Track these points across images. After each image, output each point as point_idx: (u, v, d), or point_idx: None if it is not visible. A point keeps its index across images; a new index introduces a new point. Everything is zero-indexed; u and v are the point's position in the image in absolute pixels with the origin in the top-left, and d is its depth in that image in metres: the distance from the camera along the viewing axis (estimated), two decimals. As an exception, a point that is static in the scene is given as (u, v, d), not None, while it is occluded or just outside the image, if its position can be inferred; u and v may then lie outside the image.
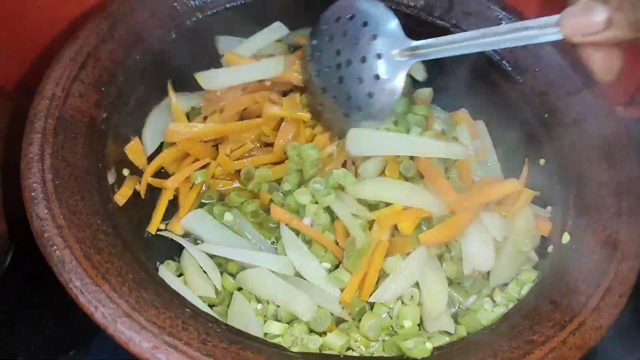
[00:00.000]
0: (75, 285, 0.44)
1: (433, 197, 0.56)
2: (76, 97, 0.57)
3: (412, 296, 0.55)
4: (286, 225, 0.57)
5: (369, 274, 0.54)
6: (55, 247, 0.46)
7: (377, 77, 0.59)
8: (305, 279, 0.55)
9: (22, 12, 0.73)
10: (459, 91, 0.77)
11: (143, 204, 0.63)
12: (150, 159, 0.66)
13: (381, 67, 0.58)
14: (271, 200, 0.60)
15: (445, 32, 0.74)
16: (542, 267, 0.57)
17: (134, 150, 0.64)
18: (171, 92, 0.69)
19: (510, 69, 0.71)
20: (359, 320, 0.54)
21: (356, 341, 0.52)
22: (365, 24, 0.59)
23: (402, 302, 0.55)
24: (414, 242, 0.55)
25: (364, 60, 0.59)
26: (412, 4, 0.76)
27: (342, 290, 0.54)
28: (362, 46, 0.59)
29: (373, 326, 0.53)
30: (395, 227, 0.56)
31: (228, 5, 0.72)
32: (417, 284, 0.55)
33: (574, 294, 0.50)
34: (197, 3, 0.70)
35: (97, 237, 0.49)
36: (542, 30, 0.48)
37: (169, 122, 0.67)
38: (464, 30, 0.73)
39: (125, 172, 0.63)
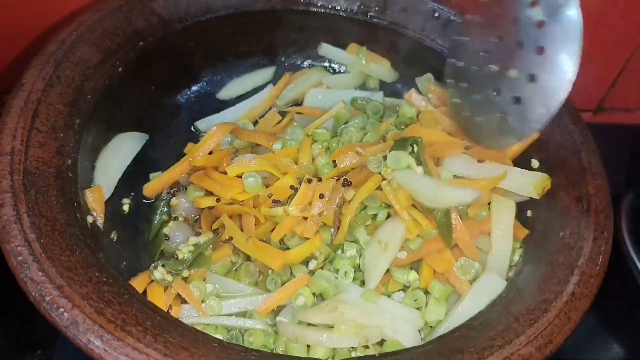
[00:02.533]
0: (96, 345, 0.41)
1: None
2: (36, 147, 0.53)
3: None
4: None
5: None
6: (62, 309, 0.42)
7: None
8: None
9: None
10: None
11: (127, 247, 0.60)
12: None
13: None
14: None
15: (383, 30, 0.78)
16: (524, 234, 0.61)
17: (95, 197, 0.59)
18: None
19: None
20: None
21: None
22: None
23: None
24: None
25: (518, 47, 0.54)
26: (348, 8, 0.78)
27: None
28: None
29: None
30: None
31: (169, 30, 0.70)
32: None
33: (565, 250, 0.54)
34: (138, 32, 0.68)
35: (101, 289, 0.45)
36: None
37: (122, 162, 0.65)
38: (403, 27, 0.77)
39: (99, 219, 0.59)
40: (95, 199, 0.59)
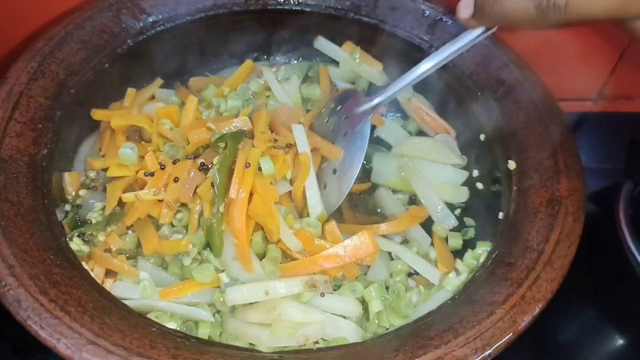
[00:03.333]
0: (34, 322, 0.43)
1: None
2: (13, 137, 0.56)
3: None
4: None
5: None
6: (8, 287, 0.45)
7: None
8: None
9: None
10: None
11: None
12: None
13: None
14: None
15: (373, 28, 0.78)
16: (497, 232, 0.59)
17: (71, 180, 0.63)
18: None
19: (438, 54, 0.74)
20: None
21: None
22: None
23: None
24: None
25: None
26: (339, 6, 0.78)
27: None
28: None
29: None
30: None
31: (159, 29, 0.73)
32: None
33: (526, 253, 0.52)
34: (127, 31, 0.71)
35: (51, 271, 0.48)
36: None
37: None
38: (393, 26, 0.77)
39: (68, 207, 0.62)
40: (71, 183, 0.62)
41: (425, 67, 0.62)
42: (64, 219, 0.59)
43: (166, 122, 0.65)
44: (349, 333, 0.53)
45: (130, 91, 0.72)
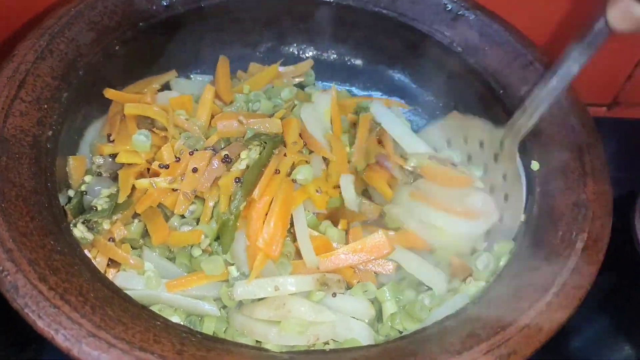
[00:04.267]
0: (31, 310, 0.40)
1: None
2: (17, 116, 0.54)
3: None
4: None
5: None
6: (6, 272, 0.42)
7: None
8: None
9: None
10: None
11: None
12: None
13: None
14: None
15: (392, 21, 0.75)
16: (517, 236, 0.56)
17: (76, 165, 0.60)
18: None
19: (460, 50, 0.72)
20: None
21: None
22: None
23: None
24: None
25: None
26: (358, -3, 0.76)
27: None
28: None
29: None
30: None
31: (172, 13, 0.70)
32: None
33: (552, 257, 0.50)
34: (139, 13, 0.68)
35: (51, 257, 0.45)
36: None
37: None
38: (413, 19, 0.74)
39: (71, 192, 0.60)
40: (76, 167, 0.59)
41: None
42: (67, 205, 0.56)
43: (181, 113, 0.62)
44: (361, 335, 0.51)
45: (146, 80, 0.70)
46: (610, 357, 0.68)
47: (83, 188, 0.58)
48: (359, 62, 0.82)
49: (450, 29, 0.73)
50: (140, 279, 0.52)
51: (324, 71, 0.81)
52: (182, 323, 0.50)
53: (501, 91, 0.68)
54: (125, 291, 0.47)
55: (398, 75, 0.80)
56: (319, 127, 0.65)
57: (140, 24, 0.68)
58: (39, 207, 0.49)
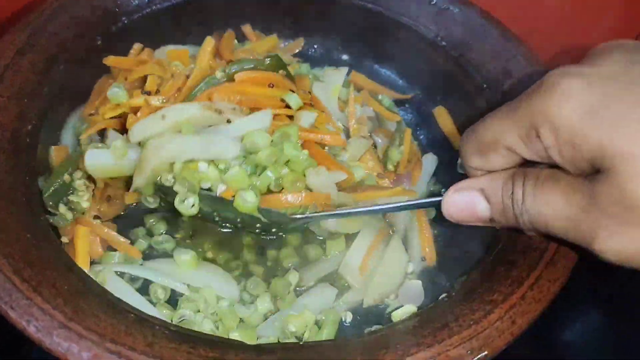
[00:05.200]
0: (4, 302, 0.41)
1: None
2: (-5, 111, 0.54)
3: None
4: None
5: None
6: (-21, 265, 0.42)
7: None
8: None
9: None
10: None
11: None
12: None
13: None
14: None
15: (377, 15, 0.75)
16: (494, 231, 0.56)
17: (58, 155, 0.61)
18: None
19: (444, 44, 0.72)
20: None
21: None
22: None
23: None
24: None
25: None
26: (343, -8, 0.76)
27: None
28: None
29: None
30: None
31: (155, 7, 0.70)
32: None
33: (528, 251, 0.49)
34: (122, 8, 0.68)
35: (28, 251, 0.45)
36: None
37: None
38: (398, 13, 0.74)
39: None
40: (57, 157, 0.60)
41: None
42: (47, 195, 0.56)
43: (178, 65, 0.64)
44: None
45: (137, 46, 0.70)
46: (602, 354, 0.67)
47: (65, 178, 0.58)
48: (345, 57, 0.82)
49: (434, 23, 0.73)
50: (107, 153, 0.55)
51: (311, 66, 0.81)
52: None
53: (485, 85, 0.68)
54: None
55: (384, 70, 0.80)
56: (330, 101, 0.68)
57: (123, 18, 0.68)
58: (16, 201, 0.49)
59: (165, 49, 0.69)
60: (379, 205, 0.54)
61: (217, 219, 0.56)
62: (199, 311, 0.54)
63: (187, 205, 0.53)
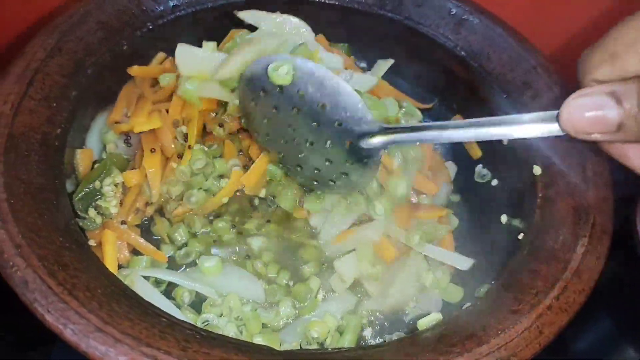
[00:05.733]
0: (41, 305, 0.41)
1: None
2: (26, 114, 0.54)
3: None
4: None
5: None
6: (15, 268, 0.43)
7: (350, 162, 0.54)
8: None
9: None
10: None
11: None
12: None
13: (352, 155, 0.53)
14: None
15: (397, 24, 0.76)
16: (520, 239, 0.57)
17: (82, 157, 0.62)
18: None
19: (464, 54, 0.73)
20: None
21: None
22: (323, 106, 0.52)
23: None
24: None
25: (330, 145, 0.54)
26: (363, 0, 0.76)
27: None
28: (325, 132, 0.53)
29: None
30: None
31: (179, 14, 0.71)
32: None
33: (551, 262, 0.50)
34: (147, 14, 0.69)
35: (60, 253, 0.46)
36: (538, 125, 0.45)
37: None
38: (417, 23, 0.75)
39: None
40: (83, 160, 0.61)
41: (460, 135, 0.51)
42: (77, 198, 0.57)
43: None
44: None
45: (160, 55, 0.71)
46: (612, 359, 0.68)
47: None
48: (364, 65, 0.82)
49: (454, 33, 0.73)
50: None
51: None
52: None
53: (504, 96, 0.69)
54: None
55: (402, 80, 0.81)
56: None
57: (148, 24, 0.69)
58: (48, 204, 0.50)
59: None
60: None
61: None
62: (221, 315, 0.55)
63: (282, 72, 0.48)
